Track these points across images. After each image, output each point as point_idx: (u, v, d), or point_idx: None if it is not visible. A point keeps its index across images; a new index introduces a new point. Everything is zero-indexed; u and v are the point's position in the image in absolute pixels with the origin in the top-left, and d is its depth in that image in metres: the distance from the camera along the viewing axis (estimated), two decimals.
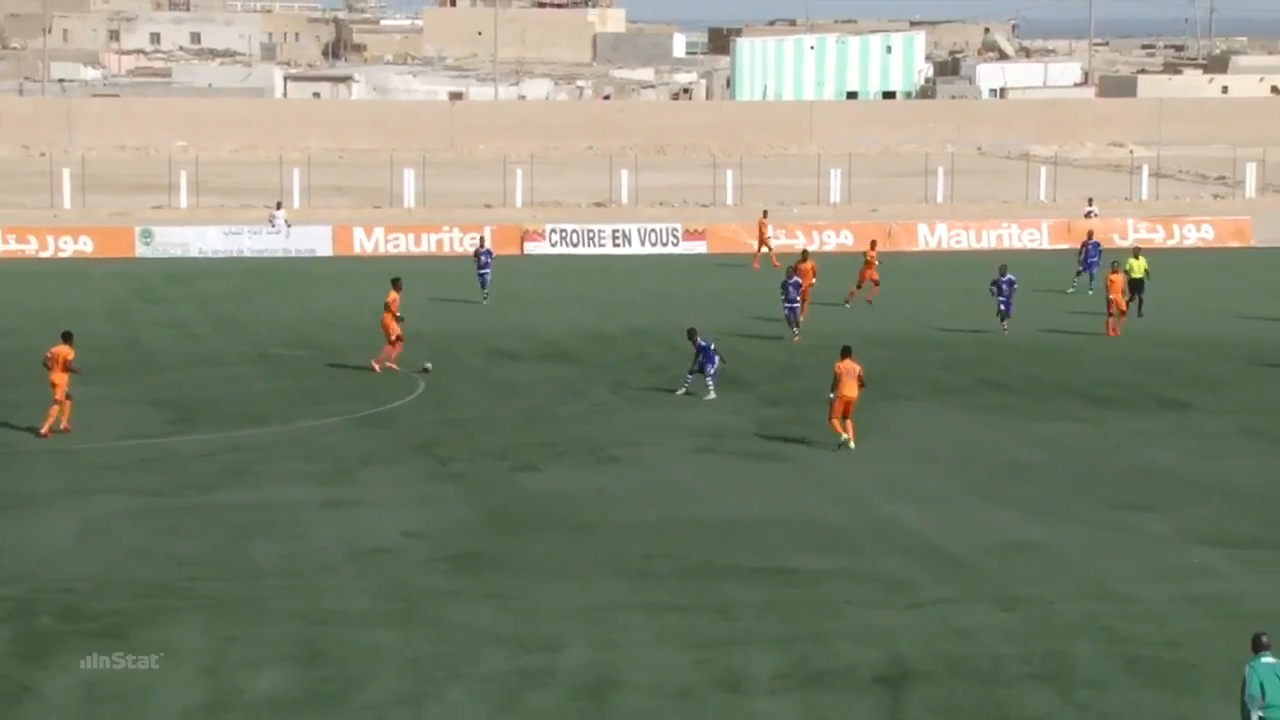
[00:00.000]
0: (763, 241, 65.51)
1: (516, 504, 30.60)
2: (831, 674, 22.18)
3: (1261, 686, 18.50)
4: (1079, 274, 57.44)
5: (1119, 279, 48.69)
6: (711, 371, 39.36)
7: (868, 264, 54.50)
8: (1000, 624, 24.01)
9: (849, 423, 34.02)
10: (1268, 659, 18.70)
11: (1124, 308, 48.56)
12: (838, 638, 23.46)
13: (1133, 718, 20.88)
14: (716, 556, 27.20)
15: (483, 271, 55.50)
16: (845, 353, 34.40)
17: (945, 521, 29.30)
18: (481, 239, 61.00)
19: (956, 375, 42.77)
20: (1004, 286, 47.99)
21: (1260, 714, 18.46)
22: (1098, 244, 58.30)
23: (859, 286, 54.41)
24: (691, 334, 40.07)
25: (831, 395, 34.19)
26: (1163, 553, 27.57)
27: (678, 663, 22.57)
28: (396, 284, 43.02)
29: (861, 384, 34.00)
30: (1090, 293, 55.26)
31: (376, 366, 42.37)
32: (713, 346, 39.58)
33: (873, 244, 57.19)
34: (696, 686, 21.79)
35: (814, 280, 50.24)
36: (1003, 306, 48.09)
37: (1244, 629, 19.42)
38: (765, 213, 69.48)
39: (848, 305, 53.76)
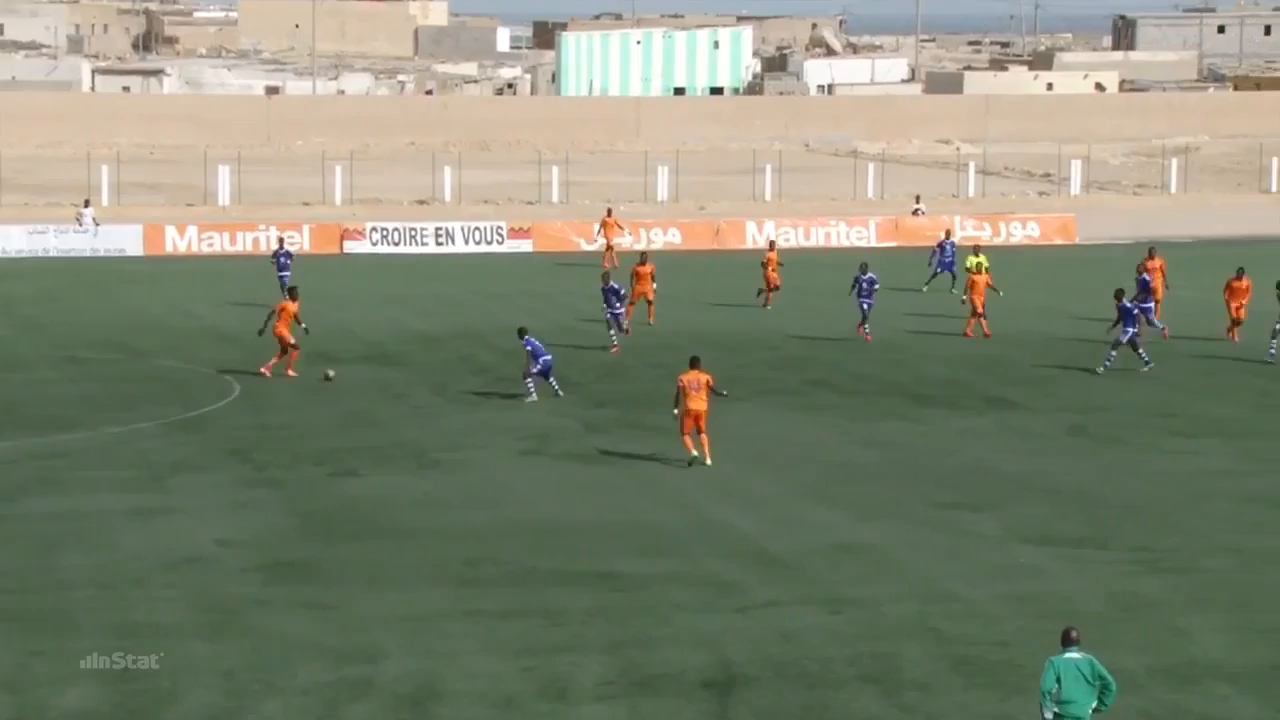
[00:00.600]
0: (608, 239, 64.67)
1: (335, 510, 29.94)
2: (659, 679, 21.89)
3: (1059, 680, 18.32)
4: (936, 274, 57.10)
5: (981, 279, 48.54)
6: (535, 372, 38.72)
7: (767, 264, 53.72)
8: (828, 626, 23.85)
9: (704, 437, 32.59)
10: (1072, 654, 18.56)
11: (979, 308, 48.17)
12: (665, 642, 23.15)
13: (959, 718, 20.77)
14: (542, 562, 26.78)
15: (282, 275, 53.62)
16: (693, 363, 32.69)
17: (773, 523, 29.11)
18: (281, 240, 59.14)
19: (784, 375, 42.66)
20: (864, 285, 46.94)
21: (1055, 709, 18.27)
22: (953, 244, 58.11)
23: (771, 288, 53.03)
24: (521, 332, 39.35)
25: (676, 411, 32.82)
26: (989, 552, 27.58)
27: (502, 671, 22.15)
28: (293, 293, 42.31)
29: (713, 392, 32.54)
30: (957, 293, 54.49)
31: (290, 372, 41.31)
32: (528, 347, 38.71)
33: (771, 244, 56.60)
34: (521, 695, 21.40)
35: (654, 283, 49.42)
36: (865, 307, 46.87)
37: None
38: (610, 210, 68.63)
39: (767, 307, 52.79)
